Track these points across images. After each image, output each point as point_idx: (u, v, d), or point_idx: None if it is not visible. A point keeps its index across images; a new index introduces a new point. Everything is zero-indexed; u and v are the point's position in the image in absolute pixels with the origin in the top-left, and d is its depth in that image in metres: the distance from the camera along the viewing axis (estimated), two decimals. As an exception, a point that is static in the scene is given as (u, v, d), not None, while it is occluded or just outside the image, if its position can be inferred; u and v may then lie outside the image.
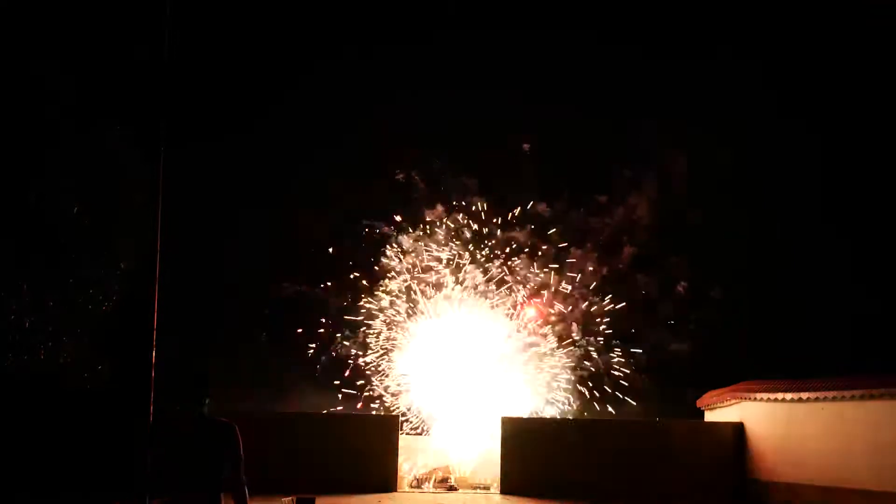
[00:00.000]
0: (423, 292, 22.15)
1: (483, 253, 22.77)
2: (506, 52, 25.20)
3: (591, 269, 23.17)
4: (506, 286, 22.47)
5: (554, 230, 23.18)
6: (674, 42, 25.03)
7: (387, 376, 21.98)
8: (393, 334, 22.18)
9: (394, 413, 20.83)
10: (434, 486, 18.65)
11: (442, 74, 25.22)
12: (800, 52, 23.77)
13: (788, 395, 16.46)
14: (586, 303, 22.87)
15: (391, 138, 23.96)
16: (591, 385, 22.08)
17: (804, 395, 16.14)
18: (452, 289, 22.12)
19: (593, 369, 22.17)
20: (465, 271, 22.43)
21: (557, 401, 22.03)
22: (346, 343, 22.34)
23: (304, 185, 24.65)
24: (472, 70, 25.18)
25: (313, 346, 22.82)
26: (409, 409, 21.41)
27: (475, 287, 22.25)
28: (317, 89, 25.83)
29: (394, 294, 22.19)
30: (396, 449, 17.76)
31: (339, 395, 21.97)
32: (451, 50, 25.02)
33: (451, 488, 18.47)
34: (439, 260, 22.52)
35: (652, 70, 25.12)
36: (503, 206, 23.40)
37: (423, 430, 20.76)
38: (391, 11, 25.47)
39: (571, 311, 22.71)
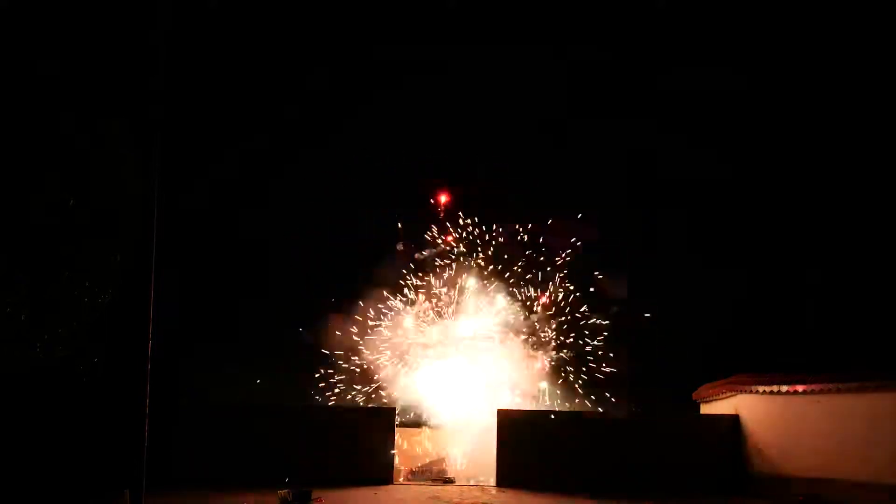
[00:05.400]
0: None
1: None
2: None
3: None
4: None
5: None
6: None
7: (385, 368, 21.93)
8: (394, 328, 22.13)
9: (390, 405, 20.79)
10: (430, 479, 18.69)
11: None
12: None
13: (784, 388, 16.52)
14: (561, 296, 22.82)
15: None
16: (586, 378, 22.07)
17: (800, 388, 16.21)
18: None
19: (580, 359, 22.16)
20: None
21: (553, 394, 22.02)
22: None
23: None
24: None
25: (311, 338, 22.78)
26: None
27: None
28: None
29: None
30: (393, 441, 17.79)
31: (334, 387, 21.94)
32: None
33: (448, 481, 18.52)
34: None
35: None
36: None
37: (419, 422, 20.73)
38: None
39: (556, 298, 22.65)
